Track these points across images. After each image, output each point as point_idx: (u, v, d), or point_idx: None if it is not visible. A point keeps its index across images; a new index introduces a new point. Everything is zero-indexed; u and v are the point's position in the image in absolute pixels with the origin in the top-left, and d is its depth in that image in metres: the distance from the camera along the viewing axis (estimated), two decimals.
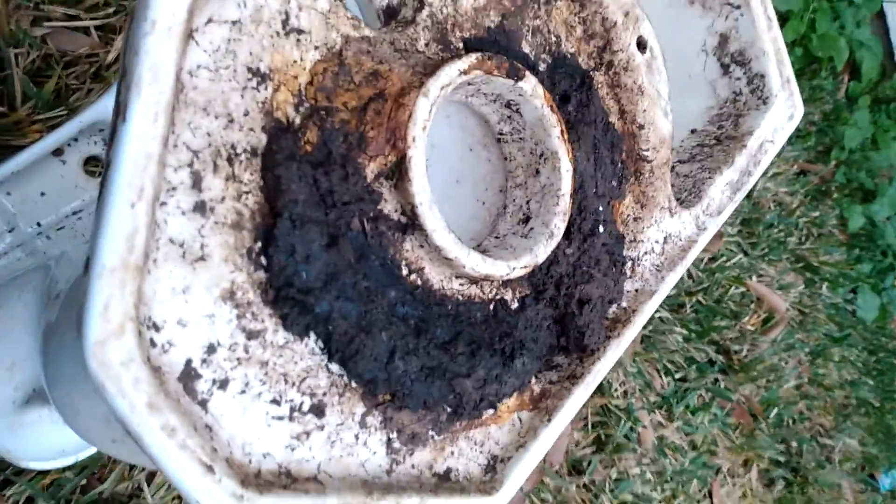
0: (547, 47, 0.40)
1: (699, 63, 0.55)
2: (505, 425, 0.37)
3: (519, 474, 0.35)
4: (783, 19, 1.66)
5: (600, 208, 0.40)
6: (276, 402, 0.28)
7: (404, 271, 0.33)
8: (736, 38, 0.54)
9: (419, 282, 0.33)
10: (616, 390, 1.06)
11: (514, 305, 0.38)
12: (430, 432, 0.33)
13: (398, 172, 0.31)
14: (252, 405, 0.28)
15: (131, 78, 0.24)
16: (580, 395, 0.38)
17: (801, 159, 1.74)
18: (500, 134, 0.40)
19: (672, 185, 0.48)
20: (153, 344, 0.25)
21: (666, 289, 0.43)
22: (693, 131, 0.54)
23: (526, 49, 0.39)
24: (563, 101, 0.39)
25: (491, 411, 0.36)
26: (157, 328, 0.25)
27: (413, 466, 0.33)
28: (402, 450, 0.32)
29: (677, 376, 1.19)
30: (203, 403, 0.26)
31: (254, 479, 0.27)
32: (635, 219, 0.44)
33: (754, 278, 1.38)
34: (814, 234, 1.67)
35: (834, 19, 1.67)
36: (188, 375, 0.26)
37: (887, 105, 1.76)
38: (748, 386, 1.33)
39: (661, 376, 1.13)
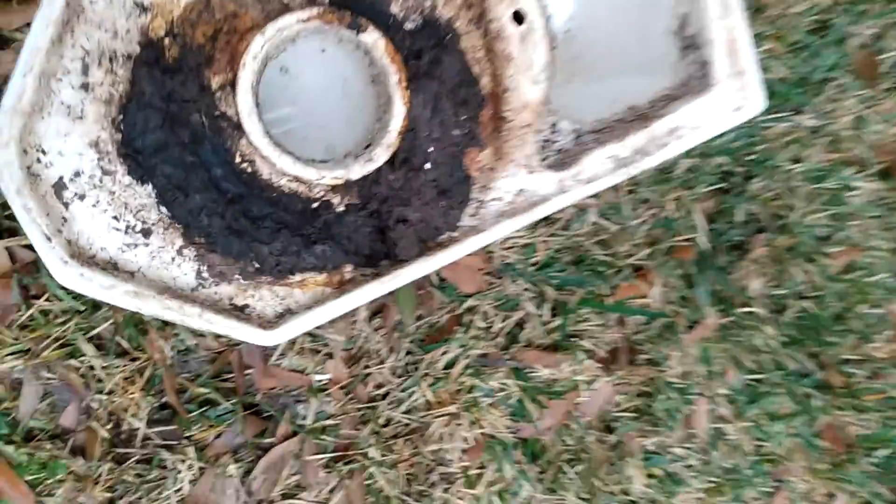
0: (419, 10, 0.48)
1: (663, 44, 0.57)
2: (309, 292, 0.49)
3: (296, 324, 0.47)
4: None
5: (431, 150, 0.49)
6: (116, 218, 0.45)
7: (237, 160, 0.46)
8: (692, 23, 0.55)
9: (249, 170, 0.46)
10: (673, 368, 1.07)
11: (340, 209, 0.49)
12: (237, 276, 0.47)
13: (231, 87, 0.44)
14: (99, 215, 0.44)
15: (40, 2, 0.41)
16: (373, 288, 0.48)
17: None
18: (374, 75, 0.50)
19: (567, 151, 0.54)
20: (39, 161, 0.43)
21: (498, 232, 0.50)
22: (630, 108, 0.57)
23: (394, 9, 0.48)
24: (415, 57, 0.48)
25: (296, 277, 0.48)
26: (44, 152, 0.43)
27: (216, 293, 0.47)
28: (210, 280, 0.47)
29: (756, 377, 1.15)
30: (66, 205, 0.43)
31: (87, 258, 0.44)
32: (491, 168, 0.51)
33: None
34: None
35: None
36: (59, 185, 0.43)
37: None
38: (853, 414, 1.23)
39: (735, 370, 1.10)
